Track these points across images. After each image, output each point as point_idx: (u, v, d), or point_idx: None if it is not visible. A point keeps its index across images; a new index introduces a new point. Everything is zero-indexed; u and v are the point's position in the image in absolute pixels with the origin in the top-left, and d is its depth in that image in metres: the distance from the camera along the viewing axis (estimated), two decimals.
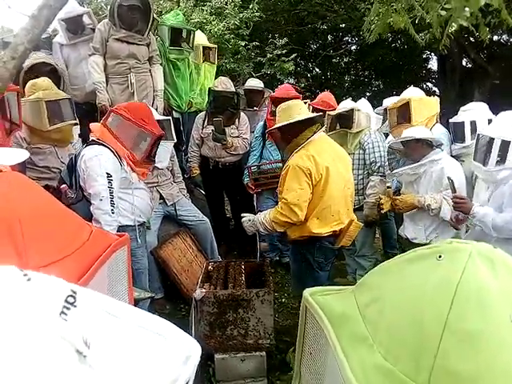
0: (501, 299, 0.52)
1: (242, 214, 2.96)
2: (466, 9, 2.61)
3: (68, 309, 0.39)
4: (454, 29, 3.09)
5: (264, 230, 2.78)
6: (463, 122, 3.44)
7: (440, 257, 0.57)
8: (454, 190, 2.63)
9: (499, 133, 2.43)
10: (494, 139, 2.42)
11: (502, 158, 2.40)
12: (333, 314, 0.66)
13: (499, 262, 0.56)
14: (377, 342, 0.58)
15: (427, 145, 2.98)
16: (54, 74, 3.44)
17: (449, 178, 2.69)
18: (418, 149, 2.98)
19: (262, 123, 4.13)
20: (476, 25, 3.39)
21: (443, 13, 2.83)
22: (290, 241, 2.96)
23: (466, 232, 2.86)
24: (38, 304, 0.38)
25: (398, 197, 3.08)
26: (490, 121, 3.40)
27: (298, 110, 2.72)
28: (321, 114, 3.09)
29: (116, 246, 0.86)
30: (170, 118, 3.55)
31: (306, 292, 0.75)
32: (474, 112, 3.47)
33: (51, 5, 1.45)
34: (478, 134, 2.66)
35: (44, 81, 3.10)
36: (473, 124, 3.41)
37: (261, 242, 3.22)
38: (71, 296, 0.40)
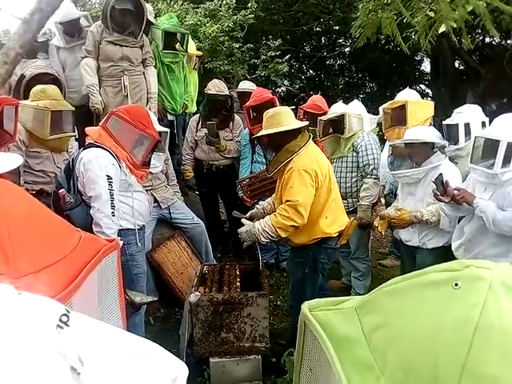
0: None
1: (235, 213, 2.88)
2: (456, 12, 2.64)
3: (62, 327, 0.40)
4: (441, 31, 3.12)
5: (266, 238, 2.66)
6: (457, 124, 3.45)
7: (456, 285, 0.52)
8: (443, 188, 2.61)
9: (504, 135, 2.39)
10: (499, 141, 2.37)
11: (506, 160, 2.38)
12: (335, 335, 0.61)
13: None
14: (386, 376, 0.55)
15: (431, 147, 2.98)
16: (56, 84, 3.43)
17: (441, 175, 2.64)
18: (422, 151, 2.95)
19: (246, 131, 4.13)
20: (460, 34, 3.44)
21: (432, 14, 2.86)
22: (294, 246, 2.90)
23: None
24: (34, 318, 0.39)
25: (392, 214, 3.07)
26: (483, 123, 3.42)
27: (287, 118, 2.72)
28: (308, 123, 2.96)
29: (106, 251, 0.85)
30: (168, 130, 3.54)
31: (305, 306, 0.68)
32: (468, 114, 3.48)
33: (43, 9, 1.44)
34: (476, 137, 2.62)
35: (54, 89, 3.09)
36: (467, 126, 3.42)
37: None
38: (65, 315, 0.41)
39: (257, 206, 3.11)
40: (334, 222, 2.79)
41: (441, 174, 2.65)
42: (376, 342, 0.58)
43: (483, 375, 0.48)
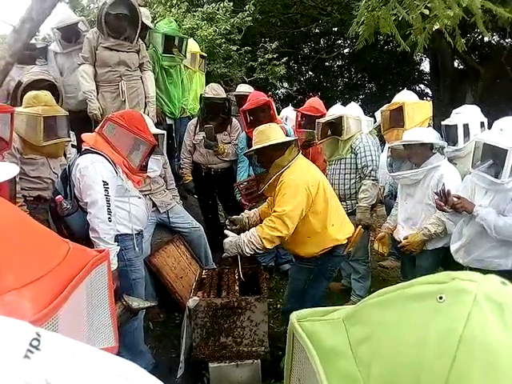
0: (509, 356, 0.47)
1: (226, 232, 2.82)
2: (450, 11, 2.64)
3: (32, 352, 0.39)
4: (435, 28, 3.12)
5: (251, 250, 2.62)
6: (456, 125, 3.43)
7: (441, 298, 0.51)
8: (445, 198, 2.60)
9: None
10: (507, 150, 2.34)
11: None
12: (322, 346, 0.61)
13: (509, 308, 0.49)
14: None
15: (430, 148, 2.97)
16: (53, 90, 3.42)
17: (444, 185, 2.65)
18: (421, 152, 2.94)
19: (244, 134, 4.11)
20: (454, 36, 3.46)
21: (427, 11, 2.86)
22: (302, 257, 2.83)
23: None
24: (1, 346, 0.38)
25: (391, 227, 3.06)
26: (482, 124, 3.41)
27: (276, 133, 2.75)
28: (296, 139, 2.96)
29: (95, 262, 0.84)
30: (164, 132, 3.54)
31: (293, 316, 0.68)
32: (467, 115, 3.46)
33: (33, 18, 1.44)
34: (478, 141, 2.59)
35: (46, 95, 3.06)
36: (465, 127, 3.40)
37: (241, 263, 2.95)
38: (36, 339, 0.40)
39: (242, 213, 3.07)
40: (340, 228, 2.78)
41: (444, 185, 2.66)
42: (361, 354, 0.57)
43: None
